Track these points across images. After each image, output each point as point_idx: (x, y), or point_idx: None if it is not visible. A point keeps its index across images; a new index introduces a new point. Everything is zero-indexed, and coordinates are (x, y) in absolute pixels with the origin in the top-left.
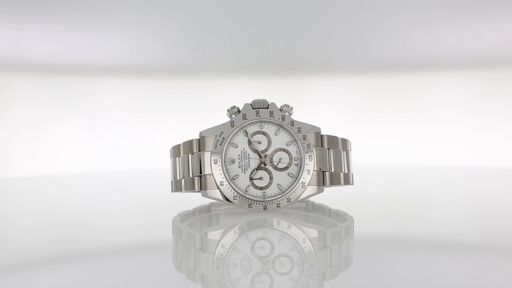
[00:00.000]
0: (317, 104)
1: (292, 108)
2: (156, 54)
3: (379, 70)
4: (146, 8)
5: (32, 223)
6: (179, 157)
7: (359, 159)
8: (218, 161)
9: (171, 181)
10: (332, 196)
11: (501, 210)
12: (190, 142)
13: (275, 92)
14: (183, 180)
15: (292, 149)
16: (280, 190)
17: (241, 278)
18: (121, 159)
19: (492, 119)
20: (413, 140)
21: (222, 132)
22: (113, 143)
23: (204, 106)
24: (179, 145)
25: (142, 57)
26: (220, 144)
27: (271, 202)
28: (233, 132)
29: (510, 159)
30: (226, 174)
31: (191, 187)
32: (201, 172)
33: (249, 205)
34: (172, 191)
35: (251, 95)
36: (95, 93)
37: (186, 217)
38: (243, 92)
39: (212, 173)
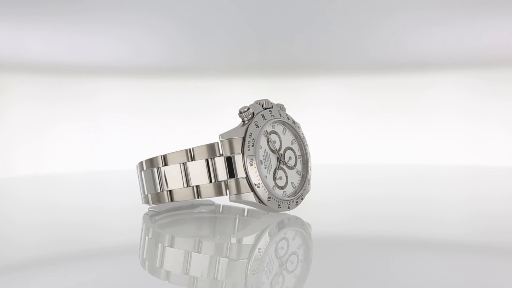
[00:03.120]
0: (317, 104)
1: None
2: (156, 54)
3: (379, 70)
4: (146, 8)
5: (32, 223)
6: (182, 163)
7: (359, 159)
8: (253, 163)
9: (169, 191)
10: (332, 196)
11: (501, 210)
12: (209, 146)
13: (275, 92)
14: (195, 188)
15: (295, 147)
16: (294, 188)
17: (265, 281)
18: (121, 159)
19: (492, 119)
20: (413, 140)
21: (251, 134)
22: (113, 143)
23: (204, 106)
24: (185, 151)
25: (142, 57)
26: (252, 146)
27: (292, 201)
28: (259, 133)
29: (510, 159)
30: (261, 176)
31: (213, 194)
32: (230, 176)
33: (279, 206)
34: (170, 201)
35: (251, 95)
36: (95, 93)
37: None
38: (243, 92)
39: (248, 175)
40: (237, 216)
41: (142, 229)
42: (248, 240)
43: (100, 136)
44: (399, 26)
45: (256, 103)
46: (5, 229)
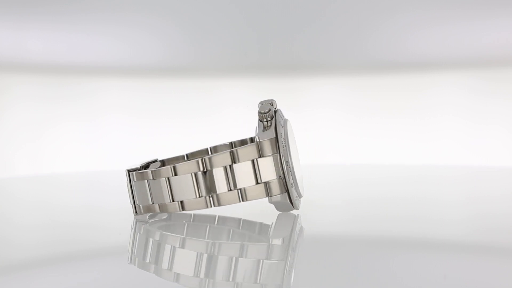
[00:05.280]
0: (317, 104)
1: None
2: (156, 54)
3: (379, 70)
4: (146, 8)
5: (32, 223)
6: (226, 167)
7: (359, 159)
8: (289, 163)
9: (209, 196)
10: (332, 196)
11: (501, 210)
12: (250, 148)
13: (275, 92)
14: (241, 190)
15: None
16: (297, 187)
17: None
18: (121, 159)
19: (492, 119)
20: (413, 140)
21: (281, 134)
22: (113, 143)
23: (204, 106)
24: (229, 152)
25: (142, 57)
26: (285, 146)
27: (300, 200)
28: (286, 133)
29: (510, 159)
30: (294, 175)
31: (256, 196)
32: (262, 179)
33: (297, 205)
34: (211, 206)
35: (251, 95)
36: (95, 93)
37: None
38: (243, 92)
39: (285, 176)
40: (184, 221)
41: (148, 232)
42: (279, 241)
43: (100, 136)
44: (399, 26)
45: (268, 103)
46: (5, 229)
